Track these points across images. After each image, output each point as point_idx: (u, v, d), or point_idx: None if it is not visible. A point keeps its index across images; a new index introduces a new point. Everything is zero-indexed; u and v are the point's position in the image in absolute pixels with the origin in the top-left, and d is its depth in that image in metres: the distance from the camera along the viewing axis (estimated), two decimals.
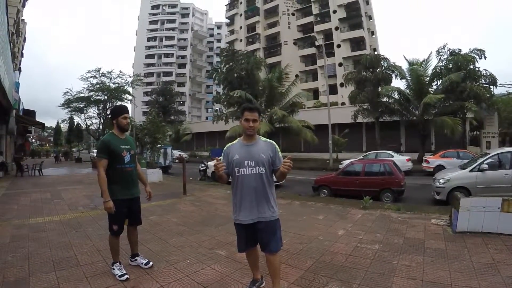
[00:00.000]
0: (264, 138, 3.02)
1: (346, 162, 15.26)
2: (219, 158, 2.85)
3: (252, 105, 3.02)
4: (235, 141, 3.03)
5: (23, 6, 29.23)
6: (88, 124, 30.78)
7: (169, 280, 3.44)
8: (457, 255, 4.12)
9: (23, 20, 32.50)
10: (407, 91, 23.10)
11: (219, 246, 4.65)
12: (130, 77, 31.48)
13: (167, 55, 70.52)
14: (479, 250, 4.29)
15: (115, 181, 3.45)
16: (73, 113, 29.94)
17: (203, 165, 16.48)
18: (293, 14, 48.26)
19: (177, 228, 5.80)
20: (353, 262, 3.97)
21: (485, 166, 8.05)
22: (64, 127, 50.21)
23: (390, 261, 3.99)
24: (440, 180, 8.65)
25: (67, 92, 28.17)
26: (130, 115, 3.78)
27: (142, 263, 3.77)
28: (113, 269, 3.52)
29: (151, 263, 3.79)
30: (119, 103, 26.68)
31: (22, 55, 34.50)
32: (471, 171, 8.29)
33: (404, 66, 23.95)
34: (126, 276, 3.41)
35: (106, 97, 28.13)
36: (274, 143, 2.99)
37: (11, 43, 17.45)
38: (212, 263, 3.97)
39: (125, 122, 3.58)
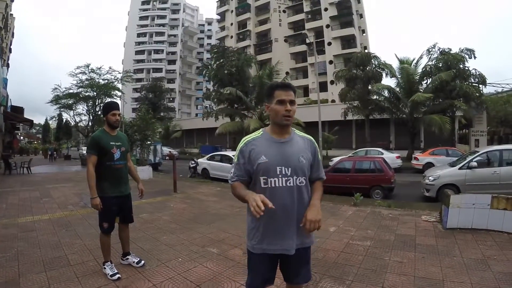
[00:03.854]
0: (301, 132, 2.09)
1: (336, 159, 15.33)
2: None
3: (285, 82, 2.12)
4: (257, 133, 2.01)
5: (12, 0, 28.58)
6: (77, 121, 30.35)
7: (161, 279, 3.40)
8: (448, 251, 4.18)
9: (11, 15, 31.79)
10: (397, 89, 23.30)
11: (211, 244, 4.63)
12: (119, 73, 31.15)
13: (157, 51, 69.66)
14: (470, 246, 4.36)
15: (105, 178, 3.40)
16: (61, 109, 29.43)
17: (193, 162, 16.38)
18: (284, 12, 48.28)
19: (168, 226, 5.76)
20: (345, 259, 3.99)
21: (474, 163, 8.17)
22: (53, 124, 49.50)
23: (382, 257, 4.03)
24: (430, 177, 8.74)
25: (56, 88, 27.64)
26: (120, 111, 3.72)
27: (134, 261, 3.72)
28: (105, 268, 3.46)
29: (142, 262, 3.75)
30: (108, 99, 26.30)
31: (10, 51, 33.76)
32: (460, 168, 8.39)
33: (395, 64, 24.24)
34: (117, 275, 3.36)
35: (95, 93, 27.73)
36: (313, 140, 2.09)
37: None
38: (204, 261, 3.95)
39: (114, 119, 3.51)
